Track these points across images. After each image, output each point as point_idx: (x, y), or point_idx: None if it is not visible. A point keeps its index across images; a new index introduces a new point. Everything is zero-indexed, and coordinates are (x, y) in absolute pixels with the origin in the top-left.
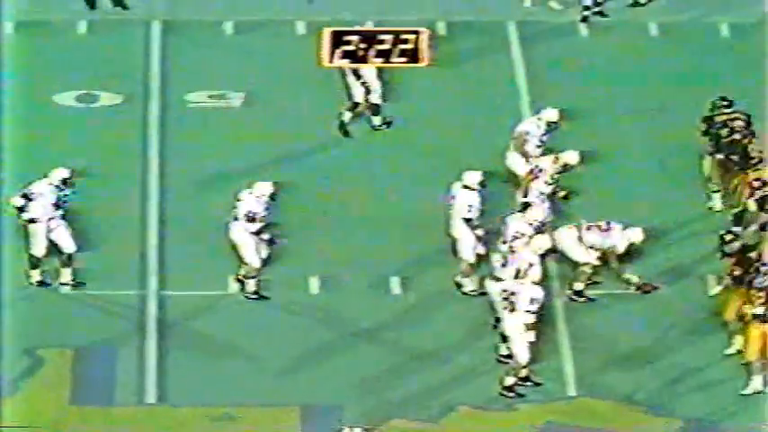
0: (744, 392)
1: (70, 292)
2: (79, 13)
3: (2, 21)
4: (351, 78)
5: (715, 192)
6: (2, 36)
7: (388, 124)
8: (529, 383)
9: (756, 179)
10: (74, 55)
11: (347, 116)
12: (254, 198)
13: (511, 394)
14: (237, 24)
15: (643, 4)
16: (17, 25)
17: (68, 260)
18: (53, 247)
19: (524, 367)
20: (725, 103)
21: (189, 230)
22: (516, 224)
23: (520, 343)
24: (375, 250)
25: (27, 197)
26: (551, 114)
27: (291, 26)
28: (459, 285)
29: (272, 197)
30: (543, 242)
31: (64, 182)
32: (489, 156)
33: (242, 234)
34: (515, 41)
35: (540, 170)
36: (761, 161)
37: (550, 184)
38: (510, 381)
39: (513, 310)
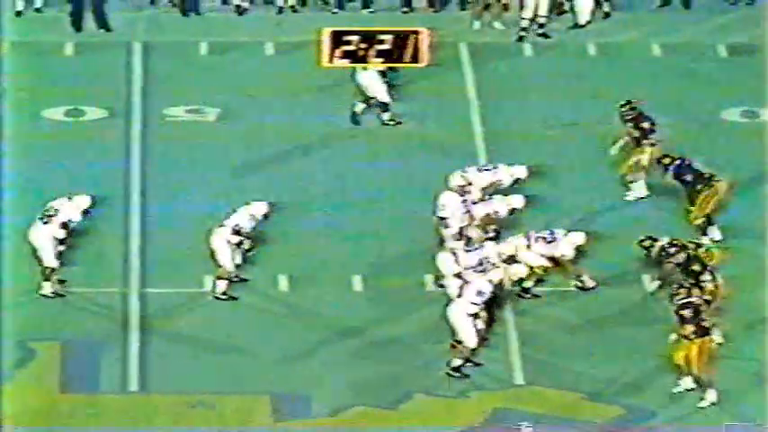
0: (675, 391)
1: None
2: (67, 36)
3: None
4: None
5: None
6: (1, 55)
7: (398, 122)
8: (471, 364)
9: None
10: (62, 73)
11: (360, 107)
12: (248, 214)
13: (457, 374)
14: (211, 45)
15: (582, 26)
16: (11, 46)
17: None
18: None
19: (473, 351)
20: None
21: (168, 233)
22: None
23: (467, 329)
24: (339, 251)
25: (66, 226)
26: (521, 171)
27: (261, 47)
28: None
29: (266, 216)
30: (519, 270)
31: (86, 211)
32: (444, 165)
33: (222, 242)
34: (466, 60)
35: (497, 211)
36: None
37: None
38: (457, 362)
39: (459, 296)
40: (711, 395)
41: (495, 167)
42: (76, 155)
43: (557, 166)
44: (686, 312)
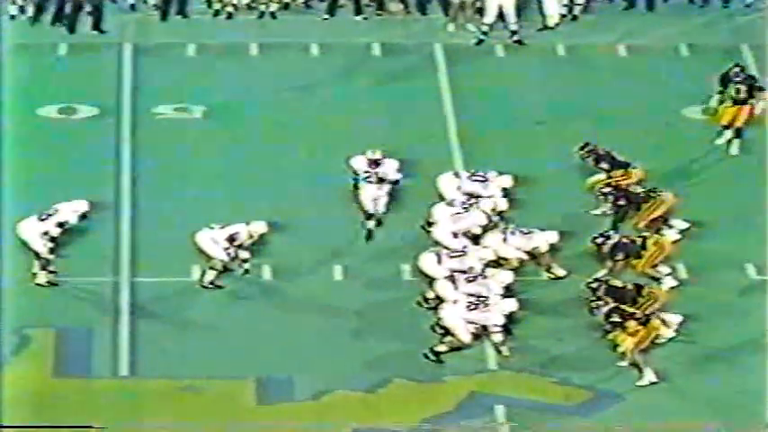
0: (639, 384)
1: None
2: (60, 37)
3: (2, 43)
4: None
5: None
6: (3, 57)
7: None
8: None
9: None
10: (56, 73)
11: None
12: (246, 231)
13: (433, 358)
14: (199, 47)
15: (552, 28)
16: (7, 47)
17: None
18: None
19: (464, 343)
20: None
21: (157, 225)
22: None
23: (461, 329)
24: (321, 242)
25: (62, 225)
26: (507, 181)
27: (246, 48)
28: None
29: (261, 236)
30: (506, 277)
31: (83, 215)
32: (419, 167)
33: (209, 242)
34: (441, 61)
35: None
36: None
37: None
38: (442, 348)
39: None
40: (650, 374)
41: (484, 176)
42: (69, 150)
43: (527, 163)
44: (615, 317)
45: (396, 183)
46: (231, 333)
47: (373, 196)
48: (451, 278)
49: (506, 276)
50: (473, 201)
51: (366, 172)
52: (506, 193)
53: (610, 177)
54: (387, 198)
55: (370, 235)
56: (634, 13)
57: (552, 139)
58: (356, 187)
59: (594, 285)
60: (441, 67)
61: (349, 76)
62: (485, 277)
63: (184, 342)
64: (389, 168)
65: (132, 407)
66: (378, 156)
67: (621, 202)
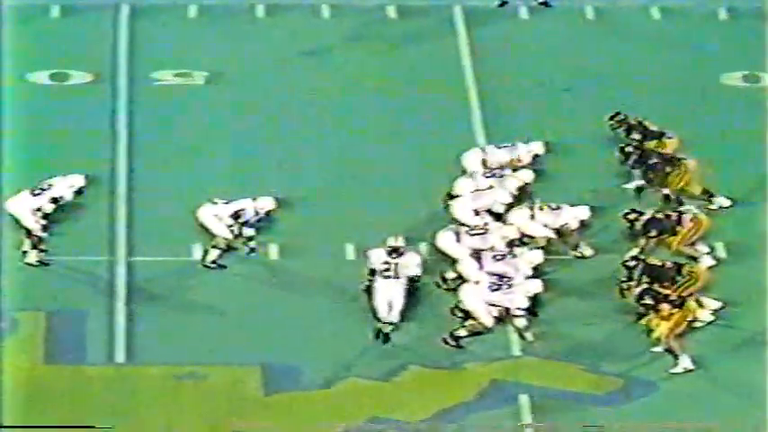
0: (672, 371)
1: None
2: None
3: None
4: None
5: None
6: (3, 19)
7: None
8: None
9: None
10: (47, 37)
11: None
12: (252, 207)
13: (453, 343)
14: (200, 8)
15: None
16: None
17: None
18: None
19: (486, 327)
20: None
21: (156, 200)
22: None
23: (483, 312)
24: (332, 218)
25: (56, 201)
26: (538, 147)
27: (251, 10)
28: None
29: (268, 213)
30: (536, 257)
31: (78, 190)
32: (438, 138)
33: (212, 218)
34: (461, 24)
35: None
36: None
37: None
38: (462, 333)
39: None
40: (686, 361)
41: (513, 145)
42: (61, 119)
43: (554, 134)
44: (648, 299)
45: (416, 280)
46: (235, 316)
47: (389, 297)
48: (477, 256)
49: (536, 256)
50: (498, 172)
51: (385, 263)
52: (533, 163)
53: (640, 149)
54: (404, 300)
55: (387, 338)
56: None
57: (580, 109)
58: (368, 289)
59: (631, 264)
60: (460, 31)
61: (362, 39)
62: (514, 256)
63: (185, 326)
64: (410, 261)
65: (129, 395)
66: (399, 243)
67: (652, 161)
